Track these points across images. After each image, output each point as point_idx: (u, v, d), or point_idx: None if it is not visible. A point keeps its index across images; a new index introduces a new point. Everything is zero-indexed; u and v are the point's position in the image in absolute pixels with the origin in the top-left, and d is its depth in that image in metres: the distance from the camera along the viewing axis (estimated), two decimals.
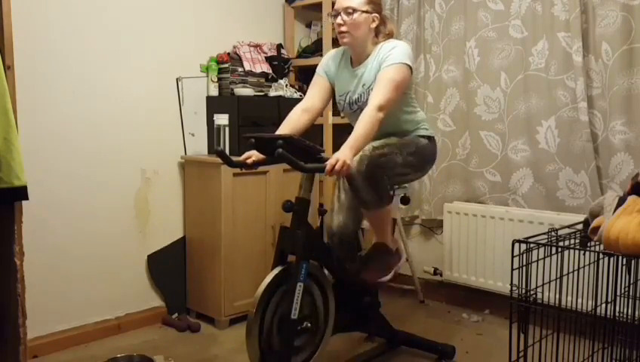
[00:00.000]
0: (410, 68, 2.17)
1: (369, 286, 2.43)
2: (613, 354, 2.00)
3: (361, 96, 2.27)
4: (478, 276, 3.11)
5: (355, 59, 2.30)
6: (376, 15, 2.22)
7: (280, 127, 2.31)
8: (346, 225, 2.28)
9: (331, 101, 2.48)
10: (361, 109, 2.18)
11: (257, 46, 3.36)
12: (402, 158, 2.23)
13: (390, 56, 2.16)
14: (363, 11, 2.18)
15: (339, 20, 2.20)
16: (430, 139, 2.37)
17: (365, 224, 2.54)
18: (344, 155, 1.94)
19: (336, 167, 1.91)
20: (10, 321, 1.91)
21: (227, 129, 3.00)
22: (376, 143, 2.16)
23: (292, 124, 2.31)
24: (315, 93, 2.38)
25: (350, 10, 2.17)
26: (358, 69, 2.29)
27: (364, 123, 2.04)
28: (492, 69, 3.06)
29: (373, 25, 2.23)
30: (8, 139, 1.78)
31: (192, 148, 3.19)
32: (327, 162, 1.94)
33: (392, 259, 2.39)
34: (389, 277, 2.34)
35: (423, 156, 2.34)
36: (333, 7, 2.29)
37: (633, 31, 2.59)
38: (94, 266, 2.82)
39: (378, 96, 2.08)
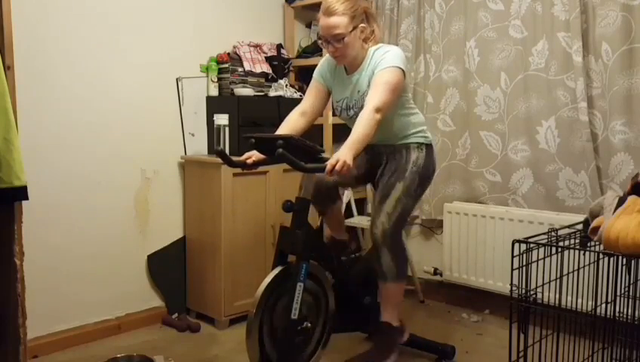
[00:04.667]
0: (404, 71, 2.18)
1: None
2: (613, 354, 2.00)
3: (357, 102, 2.29)
4: (478, 276, 3.11)
5: (349, 67, 2.31)
6: (363, 25, 2.22)
7: (278, 130, 2.33)
8: (321, 177, 2.31)
9: (330, 102, 2.49)
10: (357, 115, 2.20)
11: (257, 46, 3.36)
12: (412, 200, 2.32)
13: (383, 61, 2.17)
14: (351, 31, 2.17)
15: (331, 48, 2.21)
16: (429, 147, 2.38)
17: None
18: (344, 155, 1.95)
19: (337, 166, 1.92)
20: (10, 321, 1.91)
21: (227, 129, 3.00)
22: (389, 208, 2.24)
23: (290, 126, 2.32)
24: (313, 97, 2.40)
25: (339, 37, 2.16)
26: (352, 76, 2.30)
27: (363, 124, 2.05)
28: (492, 69, 3.06)
29: (362, 36, 2.23)
30: (8, 139, 1.78)
31: (192, 148, 3.19)
32: (327, 162, 1.95)
33: (397, 338, 2.37)
34: (394, 359, 2.33)
35: (426, 179, 2.39)
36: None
37: (633, 31, 2.59)
38: (94, 266, 2.82)
39: (375, 98, 2.09)
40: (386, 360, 2.29)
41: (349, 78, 2.32)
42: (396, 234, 2.25)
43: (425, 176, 2.36)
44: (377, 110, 2.07)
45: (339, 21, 2.14)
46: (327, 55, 2.38)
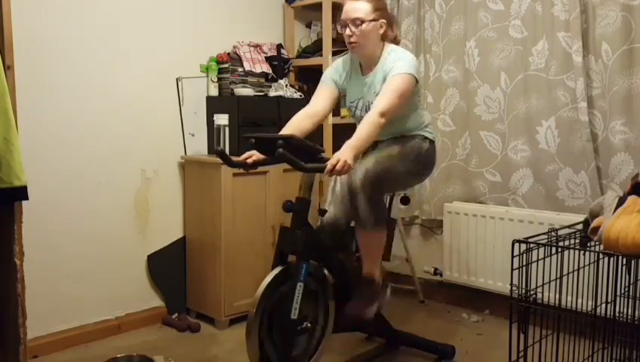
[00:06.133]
0: (416, 78, 2.21)
1: (352, 320, 2.35)
2: (613, 354, 2.00)
3: (371, 103, 2.30)
4: (478, 276, 3.11)
5: (366, 65, 2.33)
6: (383, 21, 2.25)
7: (282, 131, 2.32)
8: (337, 218, 2.30)
9: (339, 99, 2.49)
10: None
11: (257, 46, 3.36)
12: (404, 168, 2.27)
13: (396, 67, 2.19)
14: (371, 20, 2.20)
15: (347, 32, 2.22)
16: (432, 143, 2.39)
17: None
18: (345, 155, 1.95)
19: (337, 166, 1.92)
20: (10, 321, 1.91)
21: (227, 129, 3.00)
22: (379, 157, 2.19)
23: (294, 127, 2.31)
24: (321, 100, 2.39)
25: (358, 22, 2.19)
26: (367, 77, 2.32)
27: (367, 126, 2.07)
28: (492, 69, 3.06)
29: (381, 31, 2.26)
30: (8, 139, 1.78)
31: (192, 148, 3.19)
32: (327, 162, 1.95)
33: (377, 293, 2.32)
34: (372, 312, 2.29)
35: (423, 163, 2.37)
36: (339, 12, 2.29)
37: (633, 31, 2.59)
38: (94, 266, 2.82)
39: (382, 103, 2.12)
40: (364, 311, 2.25)
41: (363, 78, 2.34)
42: (376, 186, 2.14)
43: (423, 161, 2.36)
44: (382, 115, 2.09)
45: (362, 6, 2.19)
46: (338, 60, 2.42)
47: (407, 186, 2.48)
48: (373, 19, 2.21)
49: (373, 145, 2.33)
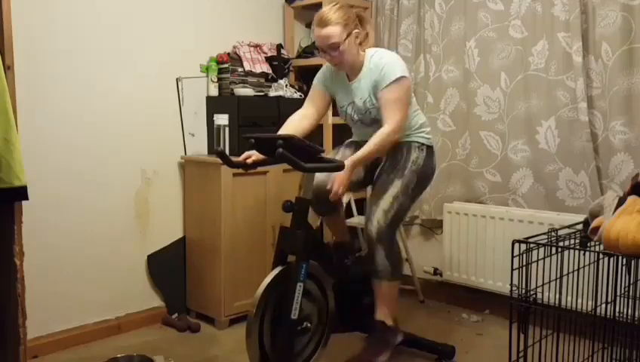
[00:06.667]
0: (407, 77, 2.23)
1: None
2: (613, 354, 2.00)
3: (360, 108, 2.34)
4: (478, 276, 3.11)
5: (350, 73, 2.36)
6: (357, 31, 2.26)
7: (279, 131, 2.34)
8: (323, 182, 2.34)
9: (331, 102, 2.50)
10: (361, 121, 2.34)
11: (257, 46, 3.36)
12: (410, 198, 2.33)
13: (386, 74, 2.21)
14: (346, 39, 2.21)
15: (328, 57, 2.27)
16: (429, 148, 2.39)
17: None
18: (340, 177, 2.10)
19: (334, 190, 2.07)
20: (10, 321, 1.91)
21: (227, 129, 3.00)
22: (385, 205, 2.25)
23: (292, 128, 2.33)
24: (314, 102, 2.44)
25: (335, 46, 2.21)
26: (352, 83, 2.35)
27: (380, 142, 2.16)
28: (492, 69, 3.06)
29: (358, 41, 2.28)
30: (8, 139, 1.78)
31: (192, 148, 3.19)
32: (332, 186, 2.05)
33: (391, 338, 2.36)
34: (386, 358, 2.30)
35: (425, 180, 2.41)
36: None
37: (633, 31, 2.59)
38: (94, 266, 2.82)
39: (392, 119, 2.17)
40: (377, 359, 2.28)
41: (350, 85, 2.36)
42: (391, 233, 2.26)
43: (423, 176, 2.38)
44: (395, 131, 2.18)
45: (332, 31, 2.19)
46: (327, 65, 2.43)
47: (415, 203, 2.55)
48: (348, 35, 2.21)
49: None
